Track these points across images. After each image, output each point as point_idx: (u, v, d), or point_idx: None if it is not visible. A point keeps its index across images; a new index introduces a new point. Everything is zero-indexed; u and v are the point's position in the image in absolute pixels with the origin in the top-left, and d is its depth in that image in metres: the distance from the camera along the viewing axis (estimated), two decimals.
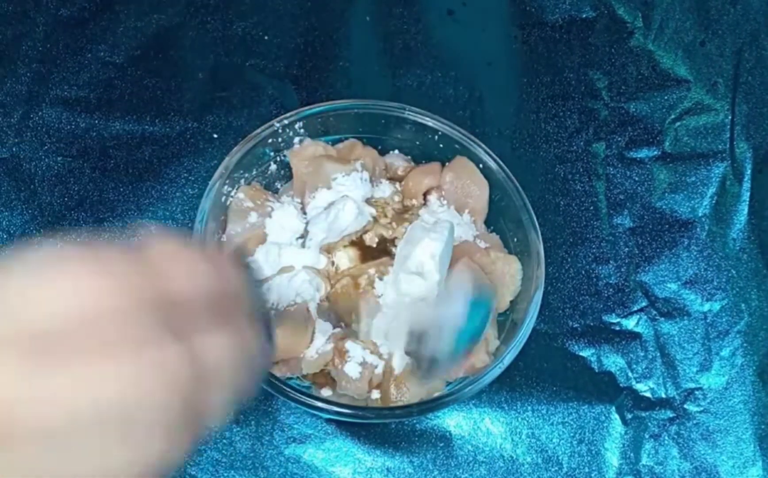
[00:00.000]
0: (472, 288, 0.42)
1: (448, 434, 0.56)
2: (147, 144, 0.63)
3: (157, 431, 0.25)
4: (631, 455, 0.57)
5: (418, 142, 0.61)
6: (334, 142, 0.60)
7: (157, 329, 0.25)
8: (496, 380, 0.51)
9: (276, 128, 0.58)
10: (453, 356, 0.46)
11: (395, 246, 0.54)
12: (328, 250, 0.54)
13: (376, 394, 0.52)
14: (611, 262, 0.64)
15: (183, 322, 0.26)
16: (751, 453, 0.58)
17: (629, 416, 0.58)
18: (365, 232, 0.55)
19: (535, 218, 0.57)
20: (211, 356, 0.27)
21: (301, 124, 0.59)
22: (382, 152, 0.61)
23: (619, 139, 0.69)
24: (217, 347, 0.27)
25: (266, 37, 0.69)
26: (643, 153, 0.69)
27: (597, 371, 0.59)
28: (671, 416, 0.59)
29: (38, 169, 0.61)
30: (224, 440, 0.53)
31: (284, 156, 0.59)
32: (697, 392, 0.60)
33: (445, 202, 0.59)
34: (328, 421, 0.55)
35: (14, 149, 0.61)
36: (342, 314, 0.53)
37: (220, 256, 0.32)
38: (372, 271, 0.53)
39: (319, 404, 0.49)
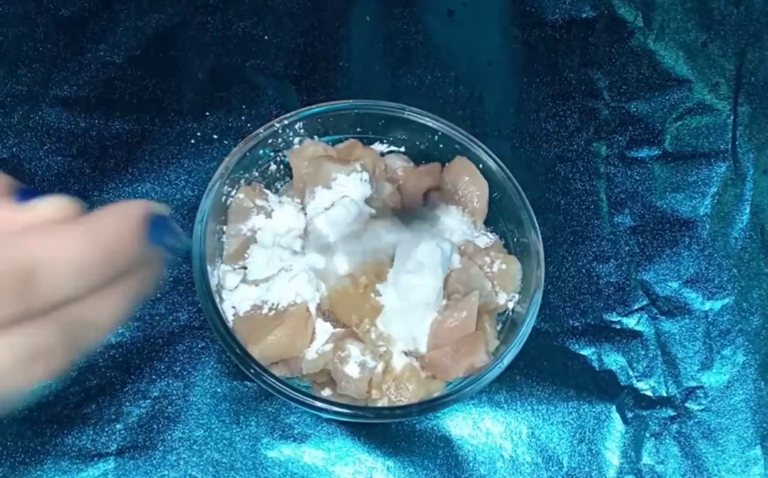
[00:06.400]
0: None
1: (448, 434, 0.56)
2: (147, 144, 0.63)
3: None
4: (632, 454, 0.56)
5: (418, 142, 0.61)
6: (334, 142, 0.60)
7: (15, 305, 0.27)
8: (496, 380, 0.51)
9: (276, 128, 0.58)
10: None
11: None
12: (327, 250, 0.54)
13: (376, 394, 0.51)
14: (612, 260, 0.64)
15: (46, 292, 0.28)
16: (752, 452, 0.58)
17: (630, 414, 0.58)
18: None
19: (534, 218, 0.57)
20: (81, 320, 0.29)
21: (301, 124, 0.59)
22: (382, 152, 0.61)
23: (620, 138, 0.69)
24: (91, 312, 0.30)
25: (266, 37, 0.69)
26: (644, 152, 0.68)
27: (597, 369, 0.59)
28: (672, 414, 0.58)
29: (38, 169, 0.61)
30: (224, 441, 0.53)
31: (284, 156, 0.59)
32: (698, 391, 0.59)
33: (444, 202, 0.59)
34: (328, 421, 0.55)
35: (14, 149, 0.61)
36: (342, 315, 0.53)
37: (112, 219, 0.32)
38: (372, 271, 0.53)
39: (319, 404, 0.48)
